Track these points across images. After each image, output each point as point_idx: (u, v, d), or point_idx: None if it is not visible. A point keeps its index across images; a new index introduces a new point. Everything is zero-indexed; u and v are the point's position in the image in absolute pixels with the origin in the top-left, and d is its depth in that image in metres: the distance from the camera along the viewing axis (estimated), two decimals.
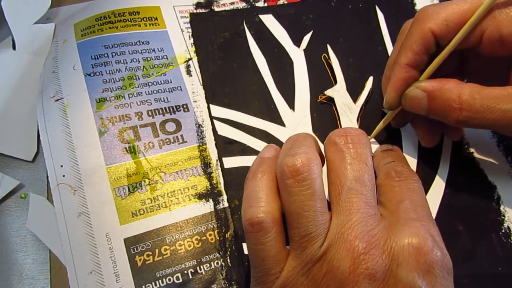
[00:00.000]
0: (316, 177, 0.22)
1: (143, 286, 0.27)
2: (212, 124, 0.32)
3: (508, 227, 0.31)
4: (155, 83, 0.33)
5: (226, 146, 0.31)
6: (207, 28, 0.36)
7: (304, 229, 0.22)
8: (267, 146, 0.27)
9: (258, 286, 0.23)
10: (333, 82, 0.35)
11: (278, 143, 0.31)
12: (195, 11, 0.36)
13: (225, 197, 0.30)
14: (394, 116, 0.31)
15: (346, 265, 0.21)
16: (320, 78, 0.35)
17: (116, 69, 0.33)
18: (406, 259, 0.21)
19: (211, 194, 0.30)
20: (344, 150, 0.24)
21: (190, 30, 0.35)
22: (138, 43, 0.34)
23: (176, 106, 0.32)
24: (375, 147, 0.31)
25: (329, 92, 0.34)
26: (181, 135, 0.31)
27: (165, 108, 0.32)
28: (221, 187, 0.30)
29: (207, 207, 0.30)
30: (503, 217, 0.31)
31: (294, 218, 0.22)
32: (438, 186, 0.32)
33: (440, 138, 0.32)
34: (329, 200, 0.24)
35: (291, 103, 0.34)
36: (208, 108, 0.33)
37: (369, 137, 0.31)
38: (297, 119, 0.33)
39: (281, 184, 0.23)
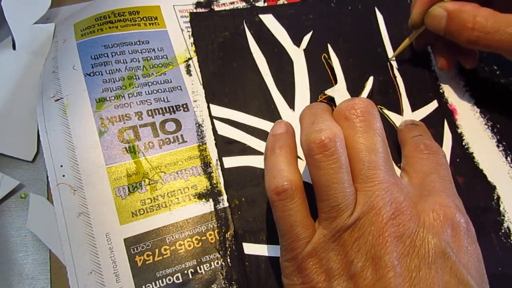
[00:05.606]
0: (342, 151, 0.23)
1: (143, 286, 0.27)
2: (212, 123, 0.32)
3: (508, 227, 0.31)
4: (155, 82, 0.33)
5: (226, 146, 0.31)
6: (207, 27, 0.36)
7: (334, 200, 0.23)
8: (276, 122, 0.28)
9: (287, 255, 0.24)
10: (333, 82, 0.35)
11: None
12: (195, 10, 0.36)
13: (225, 197, 0.30)
14: (417, 36, 0.34)
15: (375, 230, 0.22)
16: (320, 78, 0.35)
17: (116, 69, 0.33)
18: (432, 223, 0.23)
19: (211, 194, 0.30)
20: (357, 124, 0.25)
21: (190, 29, 0.35)
22: (138, 43, 0.34)
23: (176, 106, 0.32)
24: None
25: (329, 92, 0.34)
26: (181, 135, 0.31)
27: (165, 108, 0.32)
28: (221, 186, 0.30)
29: (207, 207, 0.30)
30: (503, 217, 0.31)
31: (323, 190, 0.23)
32: None
33: (454, 65, 0.35)
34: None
35: (291, 103, 0.34)
36: (208, 107, 0.33)
37: (392, 54, 0.36)
38: (297, 119, 0.33)
39: (309, 159, 0.24)
